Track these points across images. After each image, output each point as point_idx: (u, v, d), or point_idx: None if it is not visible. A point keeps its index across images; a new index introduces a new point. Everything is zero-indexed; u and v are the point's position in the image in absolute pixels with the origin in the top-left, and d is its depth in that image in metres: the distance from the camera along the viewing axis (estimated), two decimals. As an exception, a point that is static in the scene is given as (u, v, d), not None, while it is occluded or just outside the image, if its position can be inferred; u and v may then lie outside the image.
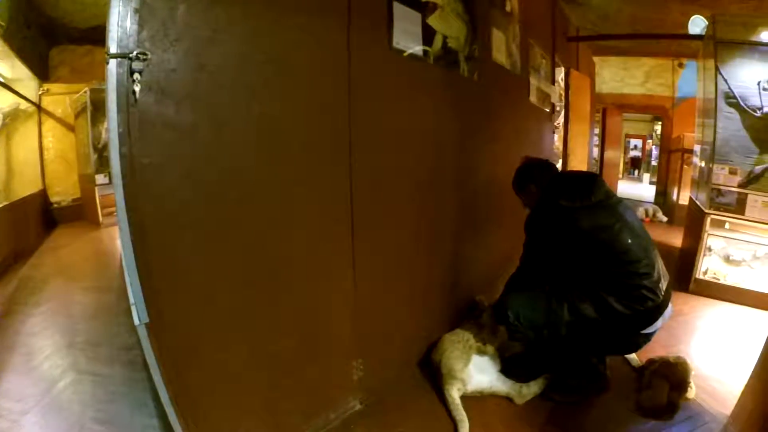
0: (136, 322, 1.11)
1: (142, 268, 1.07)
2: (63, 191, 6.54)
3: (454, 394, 2.03)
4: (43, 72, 6.33)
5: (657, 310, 1.92)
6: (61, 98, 6.44)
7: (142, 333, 1.12)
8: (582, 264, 1.99)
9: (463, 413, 1.93)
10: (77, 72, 6.50)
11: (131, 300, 1.10)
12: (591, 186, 2.05)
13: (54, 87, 6.39)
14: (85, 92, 5.94)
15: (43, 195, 6.28)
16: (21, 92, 5.59)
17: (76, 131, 6.49)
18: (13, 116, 5.65)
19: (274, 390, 1.55)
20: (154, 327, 1.11)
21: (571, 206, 2.00)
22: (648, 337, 1.98)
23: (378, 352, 2.07)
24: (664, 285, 1.97)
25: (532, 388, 2.12)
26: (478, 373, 2.12)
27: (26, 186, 5.67)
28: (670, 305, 1.99)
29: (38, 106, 6.24)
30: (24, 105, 5.82)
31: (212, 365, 1.29)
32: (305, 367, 1.66)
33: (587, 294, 1.94)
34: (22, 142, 5.82)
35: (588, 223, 1.95)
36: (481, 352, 2.18)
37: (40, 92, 6.27)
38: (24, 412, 1.99)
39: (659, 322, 1.96)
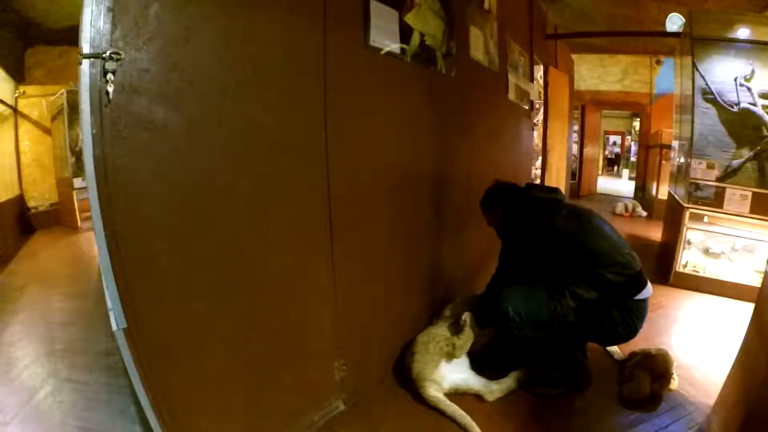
0: (114, 327, 1.09)
1: (118, 272, 1.05)
2: (40, 196, 6.40)
3: (434, 393, 2.00)
4: (18, 74, 6.18)
5: (642, 273, 2.03)
6: (37, 101, 6.29)
7: (120, 338, 1.10)
8: (564, 256, 2.03)
9: (460, 410, 1.90)
10: (53, 73, 6.36)
11: (109, 305, 1.08)
12: (553, 188, 2.29)
13: (30, 89, 6.24)
14: (62, 94, 5.80)
15: (20, 200, 6.13)
16: (-3, 95, 5.46)
17: (52, 134, 6.35)
18: (-11, 119, 5.52)
19: (256, 391, 1.53)
20: (131, 332, 1.09)
21: (546, 197, 2.20)
22: (641, 312, 2.03)
23: (359, 352, 2.06)
24: (636, 254, 2.09)
25: (502, 385, 2.10)
26: (450, 372, 2.09)
27: (2, 191, 5.53)
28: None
29: (14, 109, 6.09)
30: (0, 108, 5.68)
31: (192, 368, 1.27)
32: (286, 368, 1.65)
33: (580, 276, 1.99)
34: (-1, 146, 5.69)
35: (562, 221, 2.09)
36: (450, 355, 2.12)
37: (16, 95, 6.12)
38: (4, 423, 1.95)
39: (649, 288, 2.05)
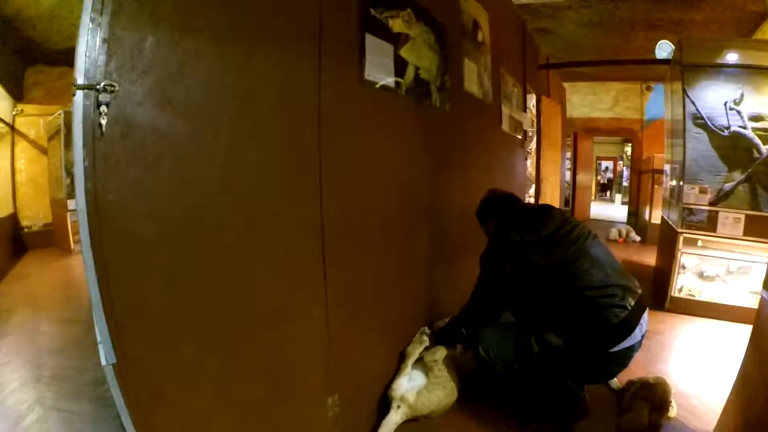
0: (103, 362, 1.06)
1: (108, 307, 1.03)
2: (34, 215, 6.37)
3: (394, 417, 2.04)
4: (17, 92, 6.22)
5: (624, 325, 1.85)
6: (34, 120, 6.32)
7: (110, 373, 1.07)
8: (540, 296, 1.98)
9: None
10: (51, 93, 6.41)
11: (98, 338, 1.06)
12: (542, 219, 2.10)
13: (28, 108, 6.27)
14: (59, 115, 5.83)
15: (13, 219, 6.09)
16: (-6, 112, 5.48)
17: (48, 154, 6.35)
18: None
19: (245, 431, 1.48)
20: (120, 367, 1.06)
21: (521, 240, 2.03)
22: (621, 360, 1.92)
23: (353, 387, 2.01)
24: (631, 301, 1.90)
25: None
26: (408, 381, 2.15)
27: (-4, 208, 5.52)
28: (644, 321, 1.93)
29: (12, 127, 6.10)
30: (-3, 125, 5.70)
31: (181, 406, 1.23)
32: (278, 406, 1.60)
33: (551, 323, 1.93)
34: (-6, 164, 5.69)
35: (539, 257, 1.97)
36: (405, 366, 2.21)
37: (14, 113, 6.14)
38: (-11, 448, 1.91)
39: (635, 335, 1.89)
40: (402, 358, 2.31)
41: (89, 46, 1.01)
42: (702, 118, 3.54)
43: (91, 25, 1.00)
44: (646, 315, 1.95)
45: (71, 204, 5.75)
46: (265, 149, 1.48)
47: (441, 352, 2.26)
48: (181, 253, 1.21)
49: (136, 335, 1.10)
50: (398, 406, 2.05)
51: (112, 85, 1.02)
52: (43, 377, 2.61)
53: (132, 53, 1.07)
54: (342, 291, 1.87)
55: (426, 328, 2.43)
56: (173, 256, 1.19)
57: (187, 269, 1.23)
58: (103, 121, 1.01)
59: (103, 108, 1.01)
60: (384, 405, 2.17)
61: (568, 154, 8.92)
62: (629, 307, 1.86)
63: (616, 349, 1.85)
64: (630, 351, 1.89)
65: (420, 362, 2.25)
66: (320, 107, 1.68)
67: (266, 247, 1.51)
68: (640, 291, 1.97)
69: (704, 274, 3.81)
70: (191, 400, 1.27)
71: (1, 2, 4.91)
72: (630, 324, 1.86)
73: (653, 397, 2.11)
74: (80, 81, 1.00)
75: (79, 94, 1.01)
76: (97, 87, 1.01)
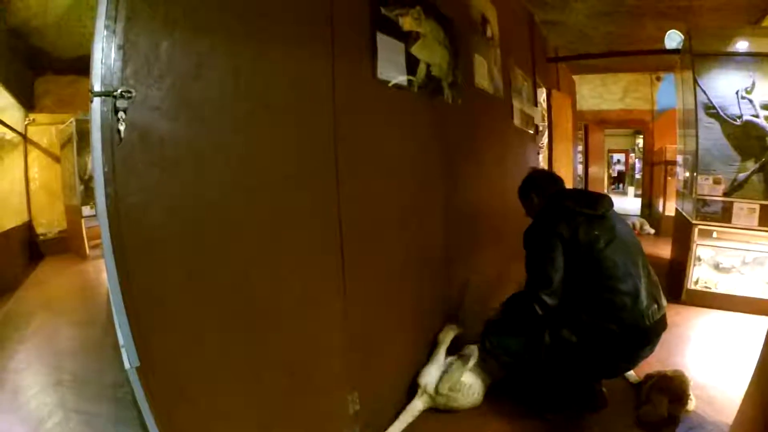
0: (127, 366, 1.07)
1: (131, 309, 1.04)
2: (49, 223, 6.45)
3: (417, 404, 2.10)
4: (28, 101, 6.30)
5: (640, 333, 1.89)
6: (46, 128, 6.40)
7: (133, 377, 1.08)
8: (568, 276, 1.98)
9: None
10: (62, 102, 6.47)
11: (121, 342, 1.07)
12: (597, 199, 2.12)
13: (40, 117, 6.34)
14: (71, 123, 5.90)
15: (28, 227, 6.18)
16: (6, 122, 5.54)
17: (61, 162, 6.43)
18: (-1, 146, 5.61)
19: (268, 428, 1.49)
20: (144, 370, 1.07)
21: (577, 210, 2.02)
22: (629, 358, 1.98)
23: (373, 383, 2.02)
24: (657, 313, 1.93)
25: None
26: (437, 369, 2.22)
27: (12, 217, 5.59)
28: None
29: (24, 137, 6.19)
30: (9, 135, 5.77)
31: (204, 406, 1.25)
32: (299, 403, 1.61)
33: (569, 318, 1.93)
34: (8, 173, 5.76)
35: (584, 232, 1.97)
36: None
37: (26, 122, 6.22)
38: (12, 453, 1.94)
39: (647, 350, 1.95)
40: (433, 345, 2.39)
41: (105, 53, 1.01)
42: (714, 107, 3.49)
43: (105, 32, 1.00)
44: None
45: (85, 210, 5.83)
46: (281, 145, 1.49)
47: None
48: (202, 252, 1.22)
49: (159, 337, 1.11)
50: (422, 393, 2.12)
51: (129, 91, 1.02)
52: (64, 380, 2.64)
53: (147, 58, 1.08)
54: (360, 284, 1.88)
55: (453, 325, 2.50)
56: (194, 256, 1.20)
57: (208, 268, 1.24)
58: (122, 127, 1.02)
59: (121, 114, 1.01)
60: (408, 395, 2.22)
61: (580, 148, 8.83)
62: (649, 321, 1.89)
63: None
64: (640, 351, 1.94)
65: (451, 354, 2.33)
66: (335, 106, 1.69)
67: (285, 242, 1.52)
68: (665, 308, 1.99)
69: (720, 265, 3.77)
70: (215, 399, 1.28)
71: (8, 13, 4.98)
72: (647, 335, 1.91)
73: (672, 389, 2.10)
74: (97, 88, 1.01)
75: (97, 101, 1.01)
76: (115, 93, 1.01)
